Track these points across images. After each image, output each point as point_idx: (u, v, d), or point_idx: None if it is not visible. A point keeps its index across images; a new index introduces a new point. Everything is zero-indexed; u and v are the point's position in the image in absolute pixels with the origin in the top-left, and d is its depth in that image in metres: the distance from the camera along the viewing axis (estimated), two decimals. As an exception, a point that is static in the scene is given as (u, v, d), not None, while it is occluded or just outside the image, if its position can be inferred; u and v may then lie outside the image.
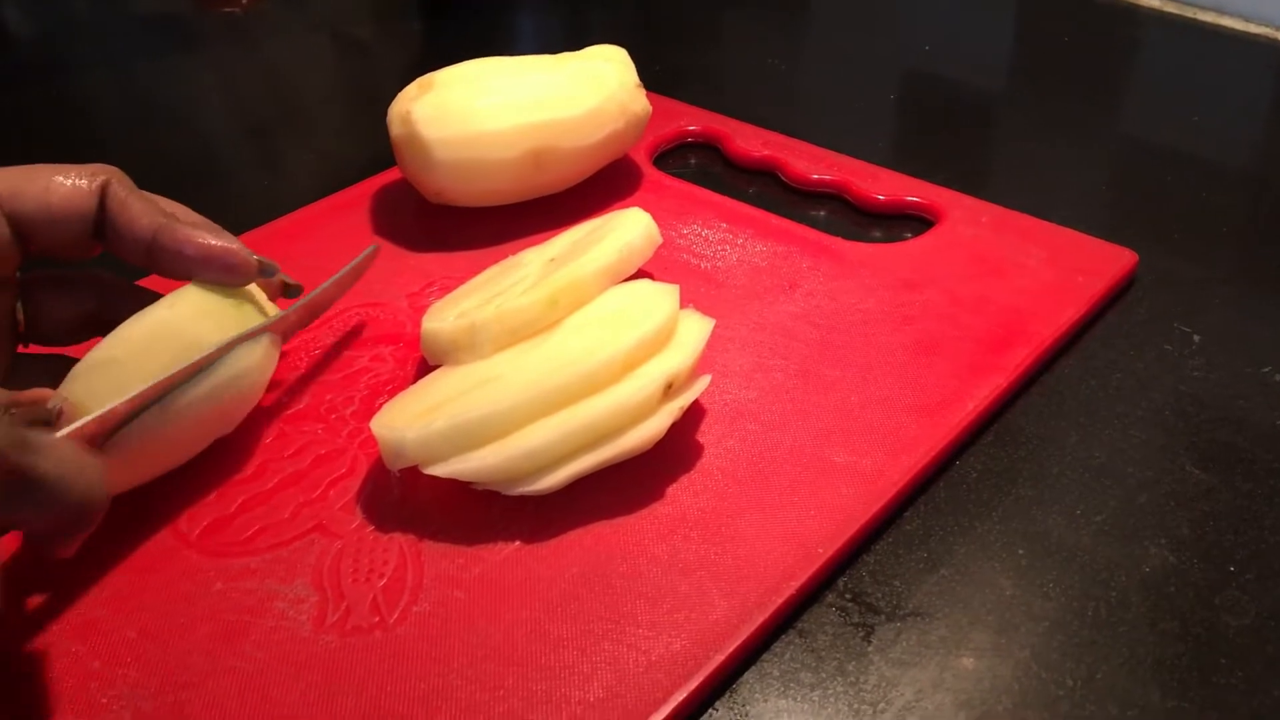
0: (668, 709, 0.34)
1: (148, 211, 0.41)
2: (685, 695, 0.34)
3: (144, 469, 0.40)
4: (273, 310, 0.44)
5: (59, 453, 0.32)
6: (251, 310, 0.43)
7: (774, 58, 0.80)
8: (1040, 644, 0.37)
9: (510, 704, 0.34)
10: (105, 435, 0.37)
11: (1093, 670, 0.36)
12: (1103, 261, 0.53)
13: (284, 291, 0.45)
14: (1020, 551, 0.41)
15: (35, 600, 0.38)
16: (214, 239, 0.41)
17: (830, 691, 0.36)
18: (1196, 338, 0.51)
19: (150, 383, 0.38)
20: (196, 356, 0.40)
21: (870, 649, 0.37)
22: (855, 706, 0.35)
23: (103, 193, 0.40)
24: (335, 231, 0.56)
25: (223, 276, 0.41)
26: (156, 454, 0.40)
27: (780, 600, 0.37)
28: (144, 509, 0.41)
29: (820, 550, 0.39)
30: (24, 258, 0.40)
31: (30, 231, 0.39)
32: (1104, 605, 0.39)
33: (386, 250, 0.55)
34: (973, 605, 0.39)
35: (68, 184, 0.40)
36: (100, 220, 0.40)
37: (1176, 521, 0.42)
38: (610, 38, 0.60)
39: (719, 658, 0.35)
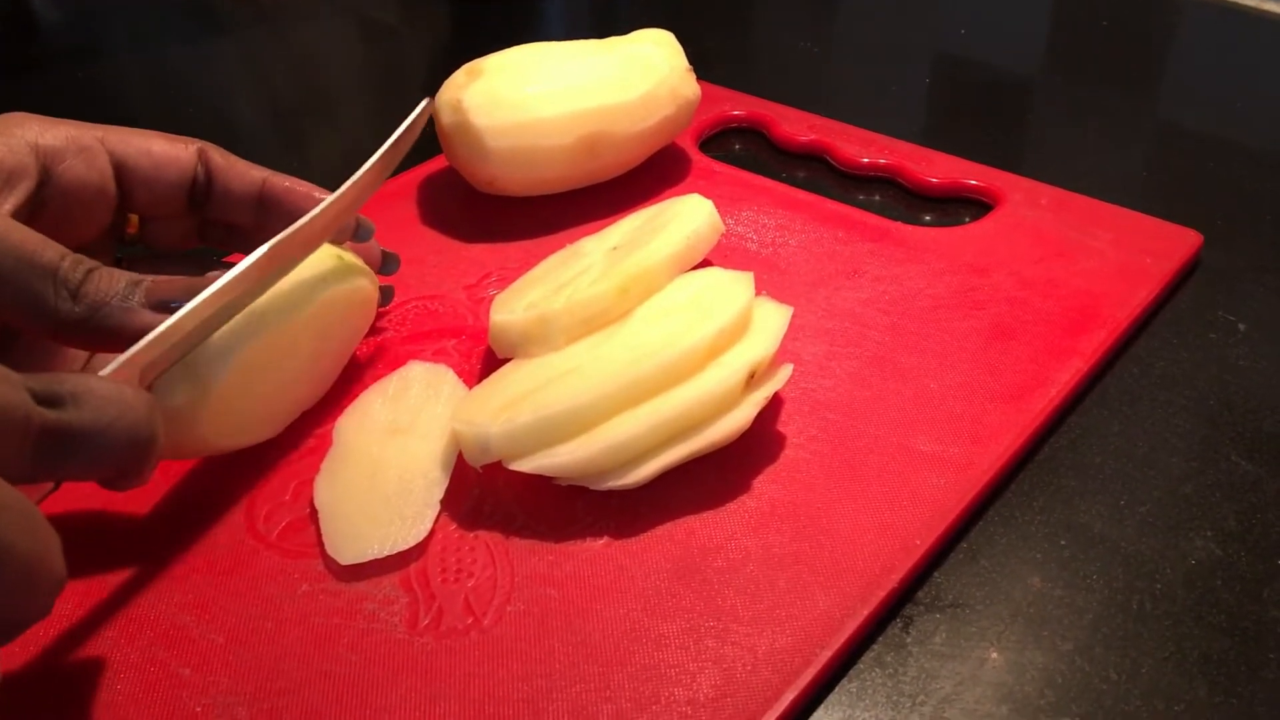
0: (780, 707, 0.33)
1: (252, 166, 0.43)
2: (796, 693, 0.34)
3: (243, 422, 0.40)
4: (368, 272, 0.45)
5: (95, 399, 0.30)
6: (353, 269, 0.43)
7: (805, 40, 0.79)
8: (1083, 637, 0.37)
9: (619, 705, 0.33)
10: (159, 367, 0.36)
11: (1137, 664, 0.36)
12: (1168, 242, 0.52)
13: (383, 265, 0.47)
14: (1062, 543, 0.40)
15: (118, 608, 0.36)
16: (316, 190, 0.44)
17: (868, 683, 0.35)
18: (1241, 326, 0.50)
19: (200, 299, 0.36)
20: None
21: (909, 640, 0.36)
22: (894, 699, 0.35)
23: (201, 156, 0.43)
24: (385, 223, 0.54)
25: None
26: (255, 401, 0.40)
27: (883, 594, 0.36)
28: (218, 510, 0.40)
29: (918, 542, 0.38)
30: (120, 211, 0.42)
31: (131, 177, 0.41)
32: (1149, 598, 0.38)
33: (439, 241, 0.54)
34: (1013, 597, 0.38)
35: (166, 142, 0.42)
36: (199, 183, 0.42)
37: (1223, 513, 0.41)
38: (638, 20, 0.59)
39: (826, 654, 0.35)
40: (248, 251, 0.39)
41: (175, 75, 0.78)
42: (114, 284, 0.36)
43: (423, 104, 0.45)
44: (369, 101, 0.75)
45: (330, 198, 0.41)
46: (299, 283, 0.41)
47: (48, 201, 0.39)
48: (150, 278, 0.37)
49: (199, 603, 0.37)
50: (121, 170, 0.41)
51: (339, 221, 0.42)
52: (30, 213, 0.38)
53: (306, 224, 0.40)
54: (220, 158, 0.43)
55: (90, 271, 0.36)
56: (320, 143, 0.69)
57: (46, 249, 0.36)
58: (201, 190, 0.43)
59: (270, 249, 0.38)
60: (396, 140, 0.44)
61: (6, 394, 0.28)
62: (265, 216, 0.43)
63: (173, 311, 0.35)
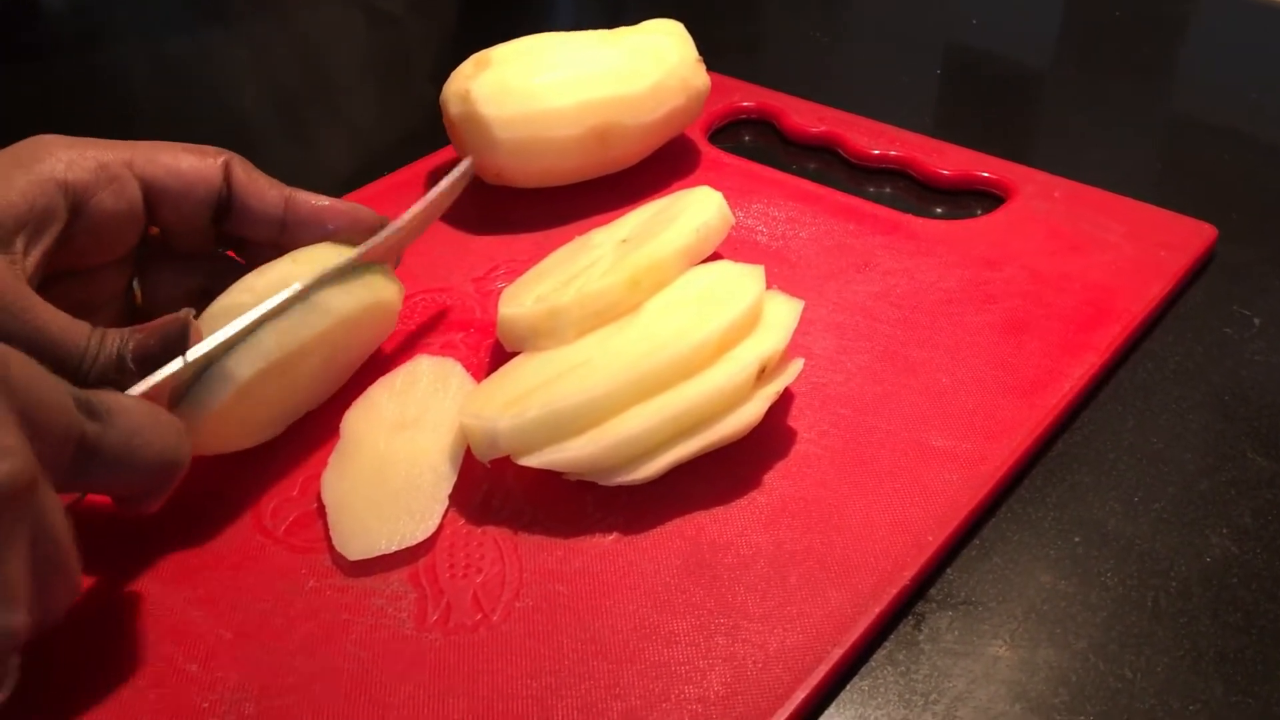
0: (791, 705, 0.33)
1: (275, 183, 0.43)
2: (808, 691, 0.33)
3: (261, 419, 0.40)
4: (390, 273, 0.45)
5: (129, 418, 0.31)
6: (372, 270, 0.43)
7: (815, 31, 0.79)
8: (1098, 635, 0.36)
9: (629, 702, 0.33)
10: (182, 391, 0.36)
11: (1153, 663, 0.35)
12: (1183, 236, 0.52)
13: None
14: (1076, 539, 0.39)
15: (124, 603, 0.36)
16: (341, 203, 0.43)
17: (880, 681, 0.35)
18: (1256, 321, 0.49)
19: (224, 335, 0.37)
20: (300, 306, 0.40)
21: (921, 638, 0.36)
22: (906, 697, 0.34)
23: (226, 170, 0.41)
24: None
25: (352, 230, 0.43)
26: (272, 403, 0.40)
27: (895, 591, 0.36)
28: (227, 505, 0.40)
29: (930, 538, 0.38)
30: (146, 229, 0.41)
31: (159, 199, 0.40)
32: (1164, 596, 0.37)
33: (446, 233, 0.54)
34: (1027, 594, 0.38)
35: (194, 156, 0.41)
36: (222, 199, 0.41)
37: (1238, 510, 0.40)
38: (647, 9, 0.59)
39: (838, 652, 0.34)
40: (257, 263, 0.39)
41: (179, 63, 0.77)
42: (110, 355, 0.36)
43: (464, 164, 0.45)
44: (374, 90, 0.74)
45: (366, 244, 0.42)
46: (322, 294, 0.40)
47: (76, 235, 0.38)
48: (132, 338, 0.36)
49: (206, 598, 0.36)
50: (149, 192, 0.40)
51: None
52: (57, 248, 0.38)
53: (343, 264, 0.41)
54: (243, 173, 0.42)
55: (99, 347, 0.36)
56: (325, 131, 0.68)
57: (66, 340, 0.35)
58: (224, 205, 0.42)
59: (304, 288, 0.39)
60: (438, 194, 0.45)
61: (60, 399, 0.29)
62: (291, 235, 0.43)
63: (158, 366, 0.35)
